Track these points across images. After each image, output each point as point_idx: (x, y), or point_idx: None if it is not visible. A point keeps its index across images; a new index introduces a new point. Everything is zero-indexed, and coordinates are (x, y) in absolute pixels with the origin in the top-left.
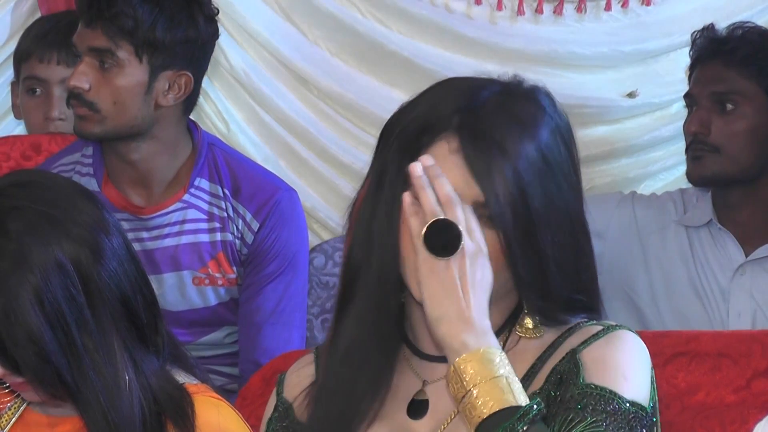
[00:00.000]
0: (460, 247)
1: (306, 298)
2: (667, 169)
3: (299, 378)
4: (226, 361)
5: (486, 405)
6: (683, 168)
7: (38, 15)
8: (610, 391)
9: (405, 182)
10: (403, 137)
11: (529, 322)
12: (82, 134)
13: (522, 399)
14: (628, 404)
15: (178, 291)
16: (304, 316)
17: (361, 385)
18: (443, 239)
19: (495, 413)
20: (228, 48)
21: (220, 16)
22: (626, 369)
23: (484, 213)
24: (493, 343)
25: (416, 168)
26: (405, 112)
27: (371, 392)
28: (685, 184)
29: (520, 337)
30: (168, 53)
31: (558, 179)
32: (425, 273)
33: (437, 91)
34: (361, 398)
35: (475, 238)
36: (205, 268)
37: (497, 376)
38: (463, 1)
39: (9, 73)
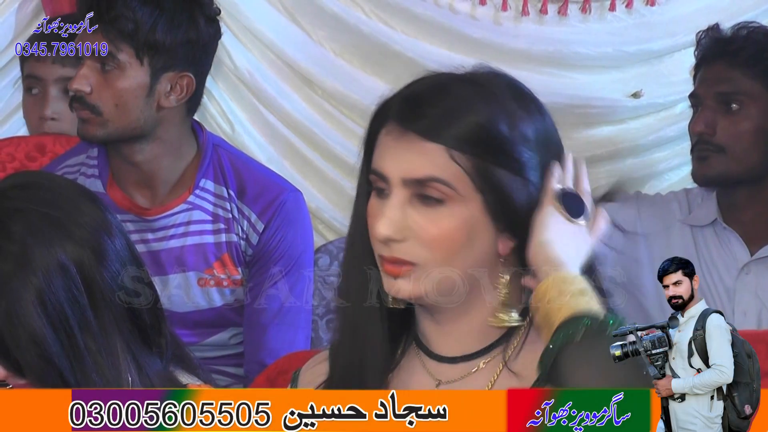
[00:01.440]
0: (581, 219)
1: (311, 298)
2: (671, 170)
3: (313, 375)
4: (232, 362)
5: (573, 308)
6: (688, 168)
7: (42, 16)
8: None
9: (368, 176)
10: (366, 132)
11: (502, 314)
12: (85, 137)
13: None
14: None
15: (183, 292)
16: (309, 317)
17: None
18: (571, 204)
19: (584, 315)
20: (232, 48)
21: (224, 16)
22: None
23: (420, 191)
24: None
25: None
26: None
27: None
28: (689, 184)
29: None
30: (169, 55)
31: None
32: (548, 213)
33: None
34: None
35: (593, 224)
36: (210, 270)
37: (589, 290)
38: (468, 1)
39: (14, 74)
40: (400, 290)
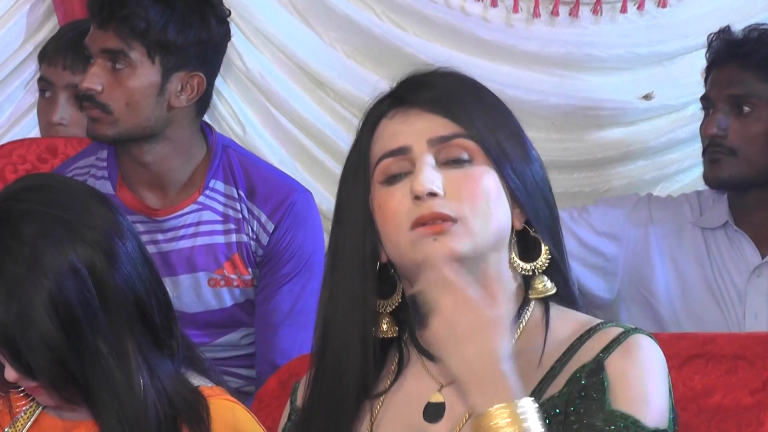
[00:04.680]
0: None
1: None
2: (683, 171)
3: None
4: (243, 363)
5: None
6: (699, 170)
7: (54, 18)
8: (634, 422)
9: (366, 179)
10: (358, 136)
11: (538, 283)
12: (95, 136)
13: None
14: None
15: (193, 292)
16: None
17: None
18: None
19: None
20: (243, 50)
21: (235, 18)
22: (648, 389)
23: (446, 153)
24: None
25: None
26: None
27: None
28: (701, 186)
29: (533, 299)
30: (180, 54)
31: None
32: None
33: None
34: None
35: None
36: (221, 270)
37: None
38: (479, 3)
39: (24, 76)
40: (441, 248)
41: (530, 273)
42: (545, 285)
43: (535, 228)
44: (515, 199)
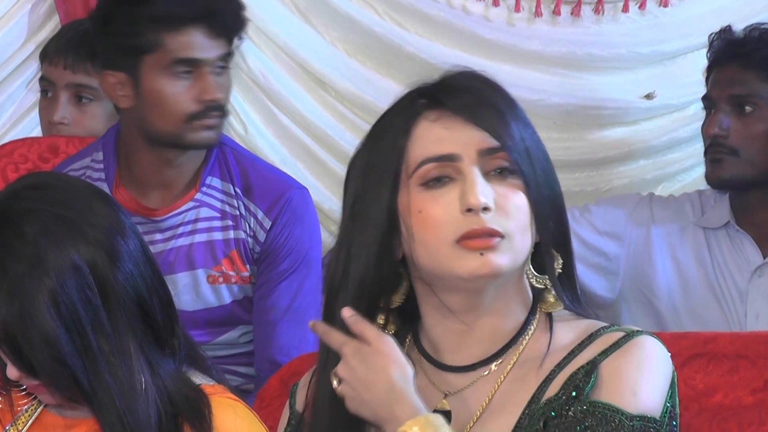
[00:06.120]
0: None
1: (320, 296)
2: (684, 171)
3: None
4: (242, 361)
5: None
6: (701, 169)
7: (55, 18)
8: (614, 409)
9: (397, 179)
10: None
11: (550, 297)
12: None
13: None
14: (634, 420)
15: (192, 290)
16: (318, 315)
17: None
18: None
19: None
20: (245, 50)
21: None
22: (638, 382)
23: (491, 164)
24: None
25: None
26: None
27: None
28: (702, 185)
29: (544, 312)
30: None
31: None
32: None
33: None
34: None
35: None
36: (219, 266)
37: None
38: (481, 2)
39: (27, 75)
40: (487, 263)
41: (543, 286)
42: (557, 300)
43: (550, 245)
44: (536, 215)
